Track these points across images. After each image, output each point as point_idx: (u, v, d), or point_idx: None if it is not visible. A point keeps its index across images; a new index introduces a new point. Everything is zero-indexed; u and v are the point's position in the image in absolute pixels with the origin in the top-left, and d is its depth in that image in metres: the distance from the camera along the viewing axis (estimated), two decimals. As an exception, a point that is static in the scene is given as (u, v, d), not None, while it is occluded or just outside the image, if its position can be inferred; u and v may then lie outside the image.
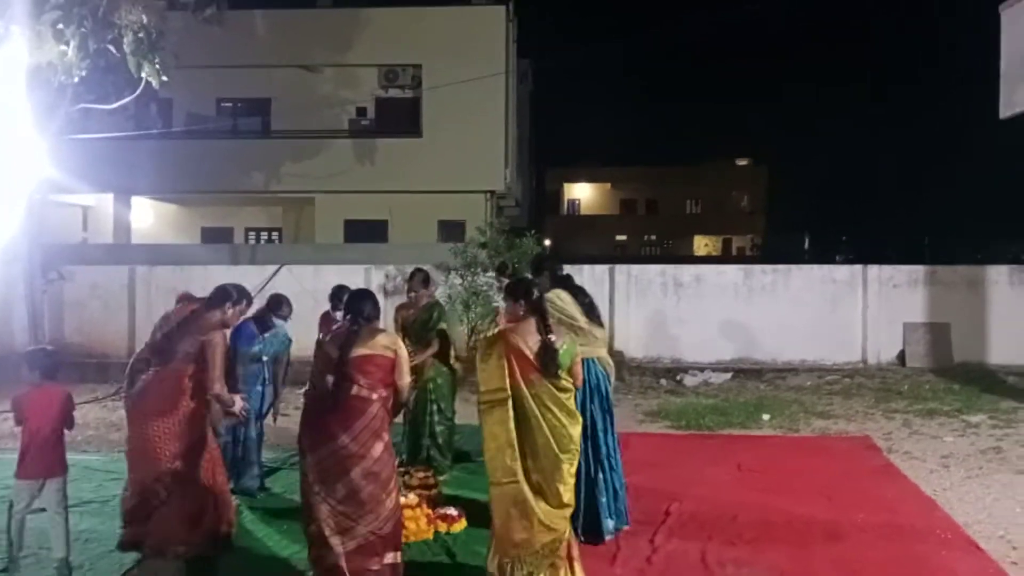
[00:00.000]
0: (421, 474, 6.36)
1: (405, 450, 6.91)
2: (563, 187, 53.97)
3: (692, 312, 13.41)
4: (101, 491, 6.62)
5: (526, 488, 4.04)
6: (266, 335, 6.54)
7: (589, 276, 13.14)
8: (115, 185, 20.57)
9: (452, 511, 5.60)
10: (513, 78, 22.61)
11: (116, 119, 14.63)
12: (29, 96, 11.72)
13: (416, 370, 6.46)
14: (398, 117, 21.95)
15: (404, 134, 21.39)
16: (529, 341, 4.14)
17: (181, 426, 4.54)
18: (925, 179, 47.66)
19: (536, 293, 4.35)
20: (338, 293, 7.13)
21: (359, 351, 4.11)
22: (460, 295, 12.72)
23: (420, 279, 7.16)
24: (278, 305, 6.70)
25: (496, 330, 4.78)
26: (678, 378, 12.40)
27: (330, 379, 4.09)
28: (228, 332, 5.11)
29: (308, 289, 11.13)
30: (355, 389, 4.07)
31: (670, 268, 14.20)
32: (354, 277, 13.60)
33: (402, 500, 5.40)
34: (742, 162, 54.30)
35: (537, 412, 4.08)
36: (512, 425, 4.07)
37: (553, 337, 4.14)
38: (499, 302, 12.63)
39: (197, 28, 13.89)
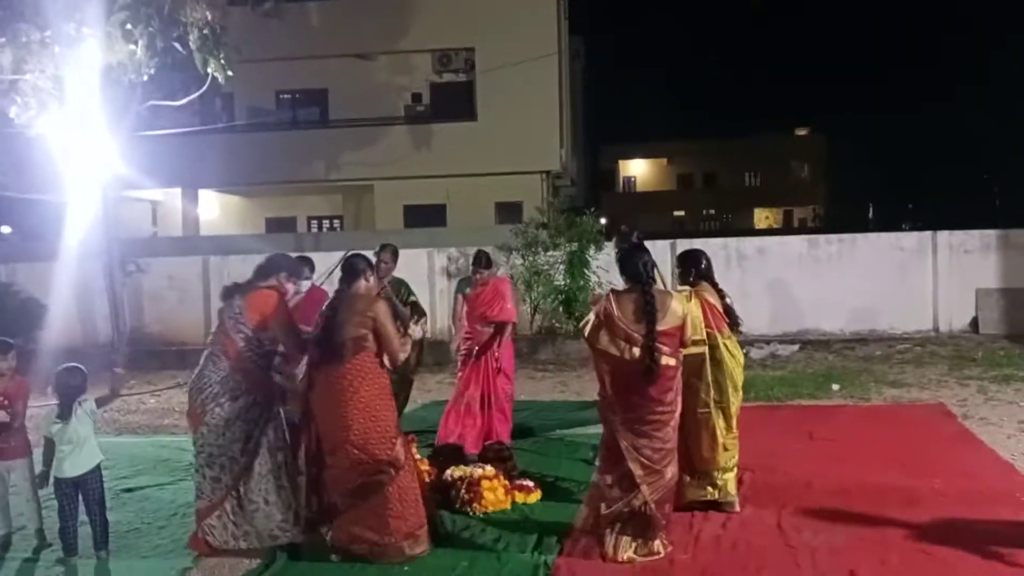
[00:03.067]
0: (496, 447, 6.52)
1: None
2: (618, 164, 53.60)
3: (756, 284, 13.29)
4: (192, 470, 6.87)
5: (715, 416, 5.14)
6: None
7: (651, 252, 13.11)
8: (182, 179, 21.20)
9: (528, 482, 5.73)
10: (566, 57, 22.54)
11: (182, 115, 15.11)
12: (102, 96, 12.18)
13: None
14: (453, 101, 22.11)
15: (459, 118, 21.56)
16: (712, 300, 5.21)
17: None
18: (993, 140, 45.93)
19: (705, 262, 5.43)
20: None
21: (662, 325, 4.47)
22: (522, 275, 12.84)
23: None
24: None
25: (688, 290, 5.27)
26: (744, 351, 12.31)
27: (635, 351, 4.42)
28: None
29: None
30: (663, 359, 4.46)
31: (732, 241, 14.10)
32: (417, 261, 13.88)
33: (479, 471, 5.58)
34: (801, 132, 53.16)
35: (726, 356, 5.16)
36: (709, 366, 5.09)
37: (729, 299, 5.33)
38: (560, 280, 12.75)
39: (256, 22, 14.24)
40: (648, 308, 4.42)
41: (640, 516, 4.49)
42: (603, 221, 14.01)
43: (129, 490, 6.18)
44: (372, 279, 4.98)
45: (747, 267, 13.50)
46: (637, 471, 4.45)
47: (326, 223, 24.44)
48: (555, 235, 13.13)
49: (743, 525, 5.07)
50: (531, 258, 13.05)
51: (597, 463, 4.76)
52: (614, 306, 4.51)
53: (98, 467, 4.83)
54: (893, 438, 7.13)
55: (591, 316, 4.61)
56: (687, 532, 4.97)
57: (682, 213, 51.95)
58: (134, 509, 5.75)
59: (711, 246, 13.84)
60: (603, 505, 4.54)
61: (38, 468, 4.86)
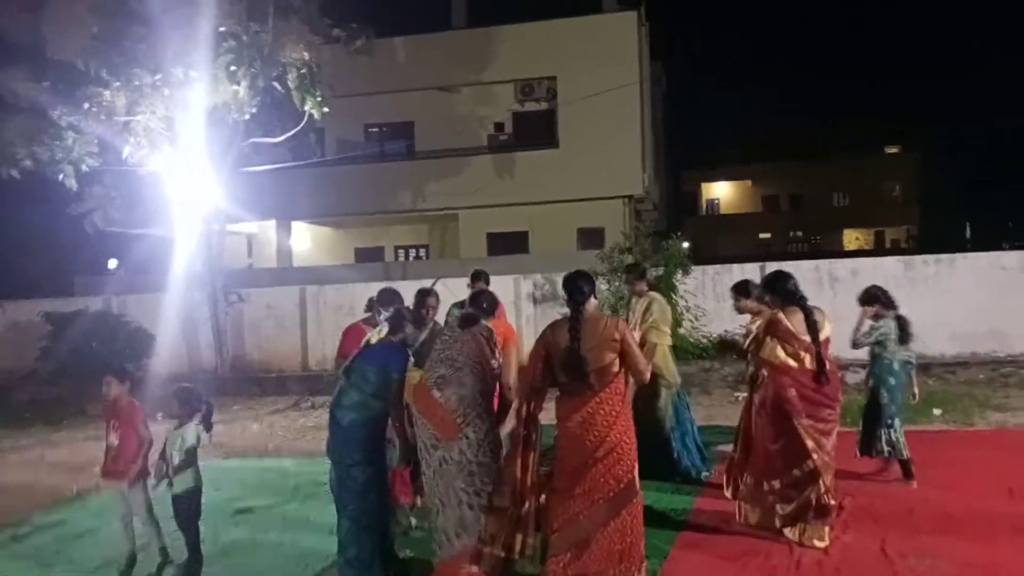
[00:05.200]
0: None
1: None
2: (700, 187, 53.04)
3: (849, 308, 12.91)
4: (297, 493, 7.16)
5: None
6: None
7: (739, 276, 12.95)
8: (277, 212, 22.01)
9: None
10: (647, 83, 22.60)
11: (277, 150, 15.78)
12: (207, 134, 12.89)
13: None
14: (535, 130, 22.38)
15: (541, 146, 21.78)
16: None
17: None
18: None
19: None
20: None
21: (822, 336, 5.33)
22: (607, 300, 12.89)
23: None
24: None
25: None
26: (839, 375, 12.04)
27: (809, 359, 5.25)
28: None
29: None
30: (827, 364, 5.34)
31: (824, 263, 13.84)
32: (503, 287, 14.06)
33: None
34: (892, 150, 51.63)
35: None
36: None
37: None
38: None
39: (346, 59, 14.82)
40: (812, 321, 5.23)
41: (820, 506, 5.07)
42: (686, 245, 13.94)
43: (241, 511, 6.50)
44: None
45: (839, 289, 13.19)
46: (820, 464, 5.08)
47: (412, 252, 24.97)
48: (641, 260, 13.14)
49: (845, 550, 5.02)
50: (616, 283, 13.10)
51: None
52: (789, 324, 5.26)
53: (194, 490, 5.09)
54: (999, 464, 6.91)
55: (772, 342, 5.30)
56: (788, 557, 4.95)
57: (768, 235, 50.94)
58: (248, 530, 6.05)
59: (802, 268, 13.64)
60: (779, 506, 5.15)
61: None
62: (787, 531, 5.16)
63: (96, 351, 13.02)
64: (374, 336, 4.90)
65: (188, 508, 5.10)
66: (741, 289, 6.19)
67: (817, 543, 5.06)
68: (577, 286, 4.47)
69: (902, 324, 6.37)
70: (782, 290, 5.44)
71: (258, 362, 14.79)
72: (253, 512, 6.48)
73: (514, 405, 4.64)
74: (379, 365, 4.69)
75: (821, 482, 5.06)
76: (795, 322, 5.25)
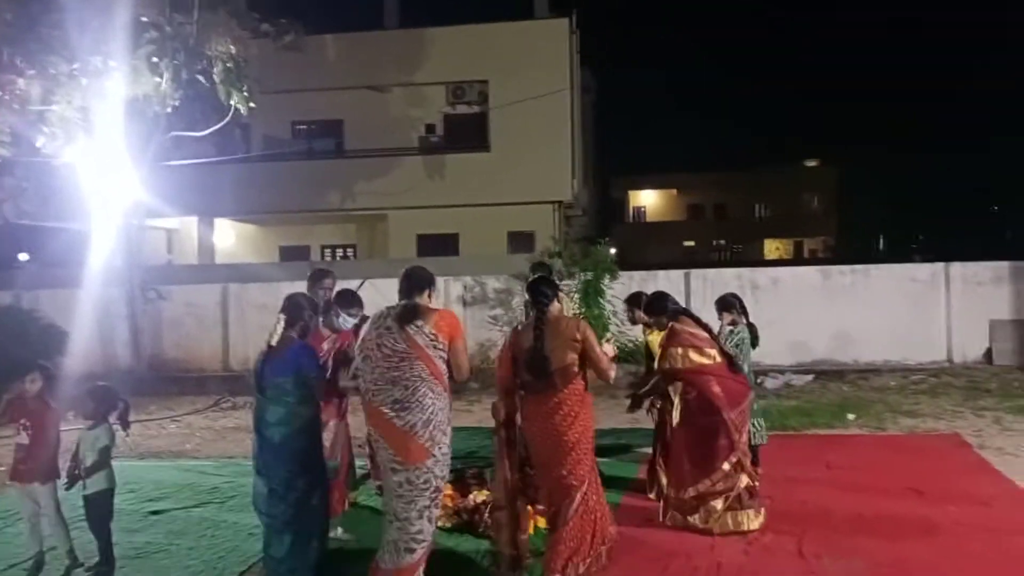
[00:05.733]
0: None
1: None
2: (628, 195, 53.80)
3: (770, 315, 13.20)
4: (216, 494, 6.97)
5: None
6: None
7: (664, 281, 13.24)
8: (199, 208, 21.41)
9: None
10: (577, 90, 22.82)
11: (201, 145, 15.40)
12: (126, 126, 12.45)
13: None
14: (466, 132, 22.35)
15: (472, 148, 21.78)
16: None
17: None
18: (1003, 172, 45.99)
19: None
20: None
21: None
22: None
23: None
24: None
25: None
26: (759, 381, 12.34)
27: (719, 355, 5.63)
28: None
29: (390, 300, 11.50)
30: None
31: (746, 271, 14.20)
32: (433, 289, 14.01)
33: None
34: (811, 163, 53.38)
35: None
36: None
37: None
38: (575, 309, 12.87)
39: (274, 54, 14.54)
40: (702, 322, 5.76)
41: (751, 488, 5.53)
42: (613, 251, 14.11)
43: (156, 512, 6.29)
44: (564, 302, 5.11)
45: (761, 297, 13.52)
46: (743, 454, 5.51)
47: (340, 252, 24.63)
48: (570, 264, 13.24)
49: (764, 551, 5.14)
50: (546, 287, 13.16)
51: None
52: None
53: (107, 491, 4.93)
54: (910, 467, 7.18)
55: (679, 350, 5.57)
56: (709, 555, 5.04)
57: (692, 243, 52.06)
58: (163, 531, 5.86)
59: (724, 276, 13.99)
60: (715, 503, 5.42)
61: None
62: (723, 522, 5.42)
63: (5, 348, 12.41)
64: (273, 338, 4.49)
65: (101, 510, 4.92)
66: (634, 301, 6.55)
67: (755, 525, 5.42)
68: (541, 290, 4.73)
69: (753, 332, 6.65)
70: (661, 309, 5.92)
71: (177, 361, 14.35)
72: (168, 514, 6.28)
73: (493, 410, 4.86)
74: (293, 372, 4.40)
75: (746, 470, 5.50)
76: (689, 326, 5.68)
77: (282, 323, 4.51)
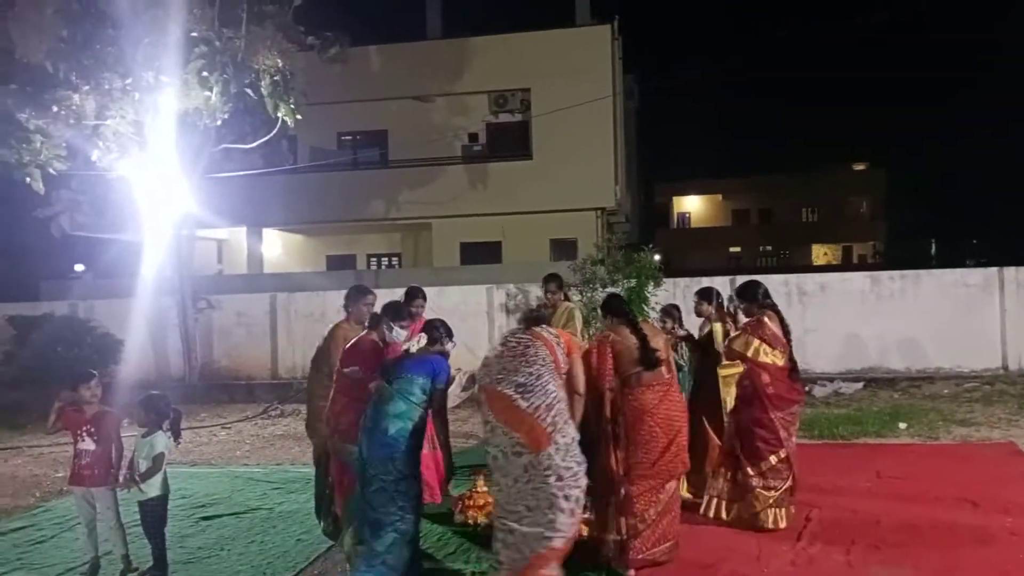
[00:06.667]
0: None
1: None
2: (672, 201, 53.49)
3: (818, 322, 13.13)
4: (265, 500, 7.10)
5: None
6: None
7: (709, 288, 13.10)
8: (248, 218, 21.83)
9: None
10: (620, 96, 22.78)
11: (249, 157, 15.68)
12: (178, 140, 12.77)
13: None
14: (509, 141, 22.44)
15: (515, 157, 21.86)
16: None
17: None
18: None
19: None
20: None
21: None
22: (580, 310, 12.90)
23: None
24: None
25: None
26: (807, 389, 12.20)
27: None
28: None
29: (434, 309, 11.59)
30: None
31: (793, 277, 13.99)
32: (476, 297, 14.12)
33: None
34: (859, 167, 52.47)
35: None
36: None
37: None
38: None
39: (320, 67, 14.78)
40: (786, 325, 5.95)
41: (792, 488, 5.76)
42: (657, 257, 14.03)
43: (207, 518, 6.42)
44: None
45: (809, 304, 13.37)
46: (791, 451, 5.74)
47: (385, 261, 24.88)
48: (613, 271, 13.19)
49: (811, 561, 5.07)
50: (589, 294, 13.13)
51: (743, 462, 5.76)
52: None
53: (161, 498, 5.06)
54: (963, 476, 7.00)
55: (747, 338, 5.84)
56: (755, 565, 4.99)
57: (738, 249, 51.49)
58: (214, 537, 5.98)
59: (772, 282, 13.71)
60: (761, 490, 5.66)
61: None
62: (763, 517, 5.63)
63: (62, 356, 12.78)
64: (413, 346, 5.20)
65: (155, 515, 5.05)
66: (705, 294, 6.96)
67: (784, 524, 5.64)
68: (624, 308, 5.42)
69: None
70: (752, 296, 6.07)
71: (227, 369, 14.63)
72: (219, 519, 6.41)
73: (586, 408, 4.99)
74: (429, 374, 4.79)
75: (794, 467, 5.76)
76: (774, 323, 5.88)
77: (423, 340, 5.12)
